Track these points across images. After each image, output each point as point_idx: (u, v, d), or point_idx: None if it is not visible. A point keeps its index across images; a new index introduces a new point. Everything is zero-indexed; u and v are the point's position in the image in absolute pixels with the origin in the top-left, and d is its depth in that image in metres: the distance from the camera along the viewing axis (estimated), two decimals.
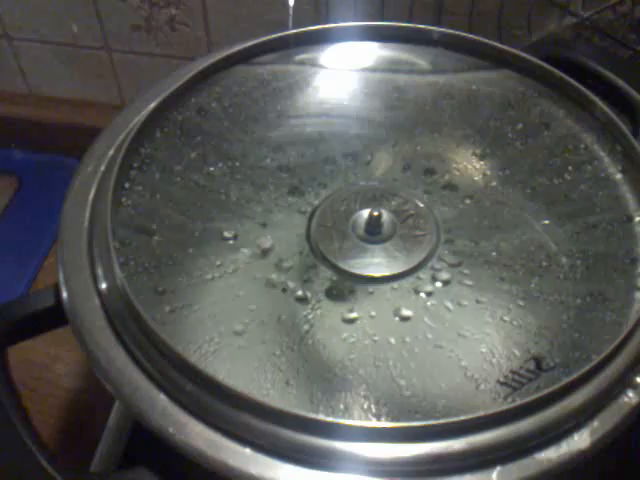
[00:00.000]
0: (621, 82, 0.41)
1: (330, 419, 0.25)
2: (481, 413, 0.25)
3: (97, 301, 0.31)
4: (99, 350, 0.29)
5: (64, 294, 0.31)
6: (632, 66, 0.47)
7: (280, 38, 0.41)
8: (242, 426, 0.26)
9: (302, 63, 0.42)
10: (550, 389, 0.25)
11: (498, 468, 0.25)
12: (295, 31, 0.42)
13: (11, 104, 0.63)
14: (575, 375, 0.26)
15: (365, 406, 0.27)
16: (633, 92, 0.41)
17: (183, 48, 0.56)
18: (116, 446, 0.43)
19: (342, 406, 0.27)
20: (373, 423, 0.25)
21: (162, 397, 0.27)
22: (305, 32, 0.42)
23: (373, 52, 0.42)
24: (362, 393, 0.28)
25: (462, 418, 0.25)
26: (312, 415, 0.25)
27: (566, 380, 0.26)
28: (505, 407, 0.25)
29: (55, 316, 0.33)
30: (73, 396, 0.51)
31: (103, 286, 0.31)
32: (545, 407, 0.26)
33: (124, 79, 0.60)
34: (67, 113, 0.62)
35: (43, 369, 0.51)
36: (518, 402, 0.25)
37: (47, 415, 0.49)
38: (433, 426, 0.25)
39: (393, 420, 0.26)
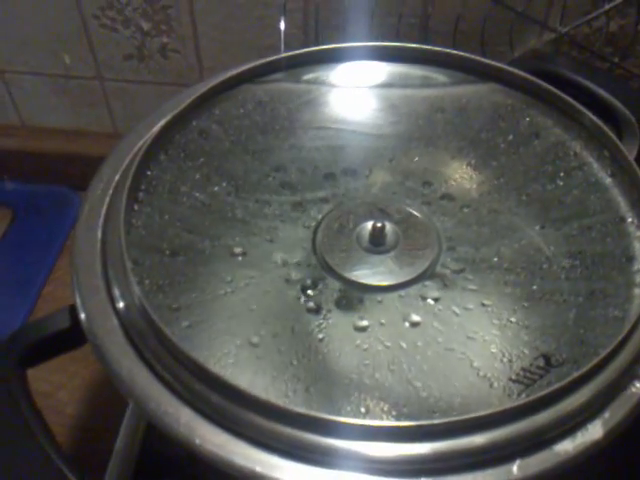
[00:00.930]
0: (602, 92, 0.43)
1: (367, 422, 0.26)
2: (501, 408, 0.26)
3: (115, 320, 0.31)
4: (121, 368, 0.30)
5: (82, 315, 0.32)
6: (610, 77, 0.49)
7: (277, 60, 0.43)
8: (268, 433, 0.27)
9: (298, 84, 0.43)
10: (563, 382, 0.27)
11: (518, 461, 0.26)
12: (291, 53, 0.43)
13: (3, 136, 0.64)
14: (585, 369, 0.27)
15: (385, 408, 0.28)
16: (615, 101, 0.42)
17: (175, 75, 0.57)
18: (125, 471, 0.43)
19: (363, 409, 0.28)
20: (400, 423, 0.26)
21: (186, 410, 0.28)
22: (300, 54, 0.43)
23: (369, 71, 0.43)
24: (381, 396, 0.29)
25: (483, 414, 0.26)
26: (345, 419, 0.26)
27: (577, 374, 0.27)
28: (523, 401, 0.26)
29: (71, 337, 0.34)
30: (77, 422, 0.51)
31: (121, 305, 0.32)
32: (559, 400, 0.27)
33: (117, 107, 0.61)
34: (60, 143, 0.63)
35: (46, 397, 0.51)
36: (535, 396, 0.26)
37: None
38: (455, 422, 0.26)
39: (414, 420, 0.27)
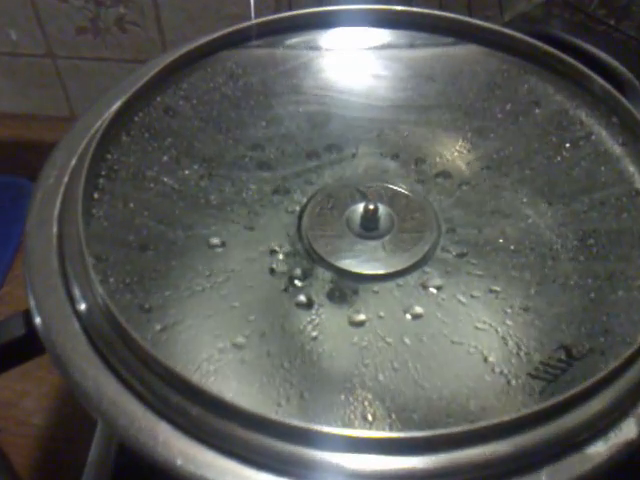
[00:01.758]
0: (602, 54, 0.41)
1: (380, 434, 0.22)
2: (527, 411, 0.23)
3: (77, 325, 0.27)
4: (86, 379, 0.26)
5: (37, 320, 0.28)
6: (609, 38, 0.46)
7: (249, 27, 0.39)
8: (258, 449, 0.23)
9: (273, 52, 0.40)
10: (595, 378, 0.23)
11: (546, 469, 0.23)
12: (264, 19, 0.39)
13: None
14: (618, 361, 0.24)
15: (393, 416, 0.25)
16: (616, 63, 0.40)
17: (135, 50, 0.53)
18: None
19: (370, 417, 0.25)
20: (413, 433, 0.22)
21: (164, 425, 0.24)
22: (274, 20, 0.39)
23: (351, 38, 0.40)
24: (387, 401, 0.26)
25: (507, 419, 0.22)
26: (350, 432, 0.22)
27: (610, 367, 0.24)
28: (550, 402, 0.23)
29: (28, 346, 0.30)
30: (46, 433, 0.47)
31: (82, 307, 0.28)
32: (589, 398, 0.24)
33: (72, 88, 0.56)
34: (10, 129, 0.58)
35: (10, 407, 0.47)
36: (563, 395, 0.23)
37: (19, 456, 0.45)
38: (476, 430, 0.22)
39: (427, 427, 0.24)
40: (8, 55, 0.54)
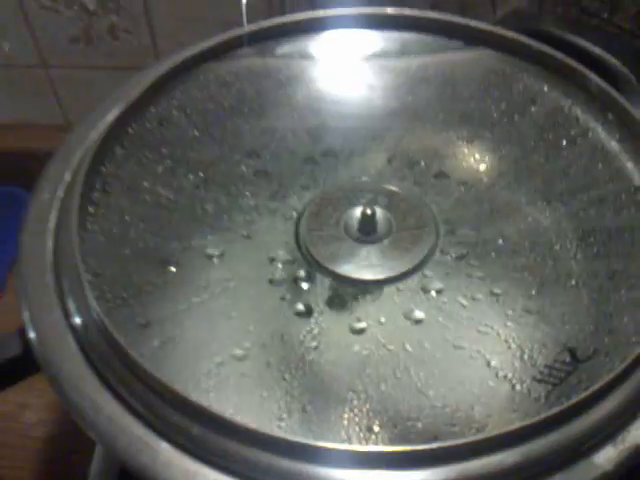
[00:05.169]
0: (596, 49, 0.40)
1: (385, 448, 0.22)
2: (534, 419, 0.22)
3: (73, 343, 0.27)
4: (82, 398, 0.25)
5: (32, 337, 0.28)
6: (602, 33, 0.46)
7: (241, 35, 0.38)
8: (263, 468, 0.23)
9: (266, 59, 0.39)
10: (603, 381, 0.23)
11: (557, 477, 0.23)
12: (255, 26, 0.39)
13: None
14: (626, 363, 0.24)
15: (399, 427, 0.25)
16: (611, 58, 0.39)
17: (128, 58, 0.52)
18: None
19: (377, 428, 0.25)
20: (419, 446, 0.22)
21: (164, 445, 0.24)
22: (266, 27, 0.39)
23: (343, 41, 0.39)
24: (390, 411, 0.25)
25: (514, 428, 0.22)
26: (357, 447, 0.22)
27: (618, 369, 0.23)
28: (559, 409, 0.22)
29: (24, 365, 0.29)
30: (47, 445, 0.47)
31: (78, 324, 0.27)
32: (597, 402, 0.23)
33: (66, 96, 0.56)
34: (6, 138, 0.58)
35: (9, 420, 0.47)
36: (572, 401, 0.23)
37: (19, 469, 0.45)
38: (482, 441, 0.22)
39: (432, 437, 0.24)
40: (2, 66, 0.54)
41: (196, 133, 0.36)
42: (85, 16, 0.50)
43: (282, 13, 0.47)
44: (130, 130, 0.35)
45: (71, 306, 0.28)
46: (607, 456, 0.23)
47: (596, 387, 0.23)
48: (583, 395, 0.23)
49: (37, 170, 0.43)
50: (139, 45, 0.51)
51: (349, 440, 0.24)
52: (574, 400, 0.23)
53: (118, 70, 0.53)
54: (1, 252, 0.57)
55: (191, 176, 0.35)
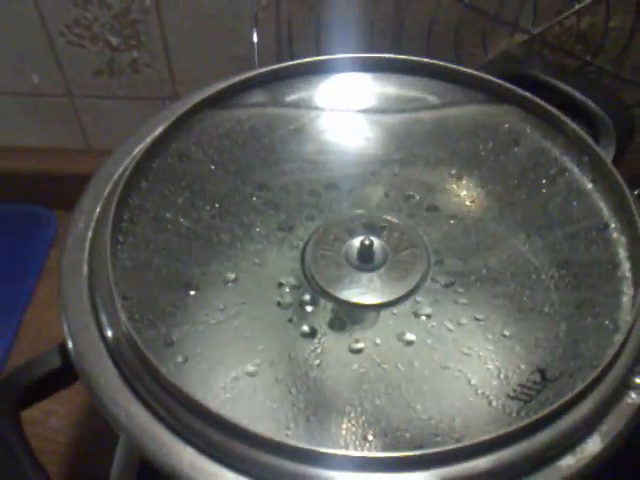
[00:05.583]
0: (576, 93, 0.44)
1: (377, 454, 0.26)
2: (506, 430, 0.26)
3: (107, 358, 0.31)
4: (118, 408, 0.29)
5: (71, 352, 0.31)
6: (582, 77, 0.50)
7: (250, 78, 0.42)
8: (274, 470, 0.27)
9: (275, 100, 0.43)
10: (565, 399, 0.27)
11: None
12: (266, 69, 0.43)
13: None
14: (585, 384, 0.27)
15: (389, 436, 0.28)
16: (589, 102, 0.43)
17: (147, 89, 0.56)
18: None
19: (371, 437, 0.28)
20: (405, 453, 0.26)
21: (189, 450, 0.28)
22: (276, 69, 0.43)
23: (345, 84, 0.43)
24: (382, 422, 0.29)
25: (488, 437, 0.26)
26: (351, 453, 0.26)
27: (578, 389, 0.27)
28: (527, 421, 0.26)
29: (63, 376, 0.33)
30: (70, 449, 0.50)
31: (111, 342, 0.31)
32: (560, 417, 0.27)
33: (88, 123, 0.60)
34: (32, 162, 0.62)
35: (37, 425, 0.50)
36: (538, 415, 0.26)
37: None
38: (460, 449, 0.26)
39: (418, 445, 0.27)
40: (30, 95, 0.58)
41: (212, 167, 0.40)
42: (108, 51, 0.54)
43: (290, 53, 0.51)
44: (154, 165, 0.39)
45: (105, 325, 0.32)
46: (568, 464, 0.27)
47: (559, 404, 0.27)
48: (548, 410, 0.27)
49: (61, 191, 0.48)
50: (158, 78, 0.55)
51: (347, 447, 0.28)
52: (540, 414, 0.27)
53: (138, 100, 0.57)
54: (31, 266, 0.60)
55: (208, 207, 0.38)
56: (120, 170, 0.39)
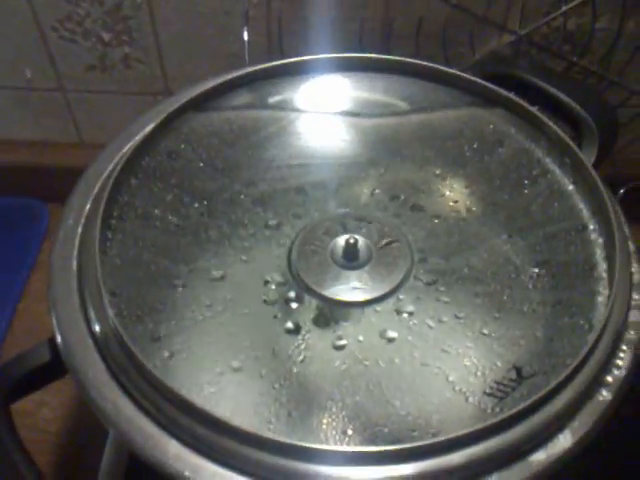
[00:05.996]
0: (561, 95, 0.44)
1: (354, 448, 0.27)
2: (480, 426, 0.27)
3: (95, 353, 0.32)
4: (105, 402, 0.30)
5: (62, 348, 0.32)
6: (567, 78, 0.51)
7: (239, 77, 0.43)
8: (255, 463, 0.28)
9: (263, 98, 0.43)
10: (537, 396, 0.28)
11: (496, 475, 0.27)
12: (254, 68, 0.43)
13: None
14: (557, 381, 0.28)
15: (368, 431, 0.29)
16: (574, 104, 0.43)
17: (139, 84, 0.57)
18: None
19: (350, 432, 0.29)
20: (382, 447, 0.27)
21: (174, 442, 0.29)
22: (265, 68, 0.43)
23: (333, 83, 0.44)
24: (363, 418, 0.30)
25: (462, 433, 0.27)
26: (329, 447, 0.27)
27: (550, 387, 0.28)
28: (500, 418, 0.27)
29: (52, 370, 0.34)
30: (62, 440, 0.51)
31: (99, 337, 0.32)
32: (533, 413, 0.28)
33: (81, 117, 0.60)
34: (25, 155, 0.62)
35: (28, 416, 0.51)
36: (511, 412, 0.27)
37: (37, 461, 0.49)
38: (435, 444, 0.27)
39: (396, 441, 0.28)
40: (23, 89, 0.58)
41: (201, 165, 0.41)
42: (101, 46, 0.54)
43: (281, 50, 0.51)
44: (143, 162, 0.39)
45: (93, 320, 0.32)
46: (538, 459, 0.28)
47: (532, 400, 0.28)
48: (521, 407, 0.28)
49: (54, 184, 0.48)
50: (150, 73, 0.56)
51: (327, 441, 0.29)
52: (513, 411, 0.28)
53: (130, 95, 0.58)
54: (24, 257, 0.61)
55: (196, 204, 0.39)
56: (110, 167, 0.39)
